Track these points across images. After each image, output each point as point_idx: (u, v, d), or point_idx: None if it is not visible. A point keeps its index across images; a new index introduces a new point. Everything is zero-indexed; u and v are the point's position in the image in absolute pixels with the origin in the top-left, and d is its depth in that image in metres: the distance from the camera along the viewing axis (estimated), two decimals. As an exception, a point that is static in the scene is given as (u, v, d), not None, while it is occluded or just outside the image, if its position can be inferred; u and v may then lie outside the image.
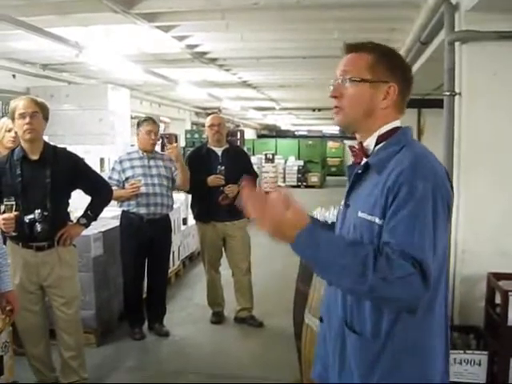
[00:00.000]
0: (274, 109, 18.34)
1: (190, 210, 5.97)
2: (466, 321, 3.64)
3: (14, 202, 3.35)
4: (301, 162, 23.36)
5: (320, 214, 4.09)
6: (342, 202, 1.90)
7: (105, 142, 7.98)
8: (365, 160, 1.78)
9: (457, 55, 3.78)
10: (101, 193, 3.92)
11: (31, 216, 3.46)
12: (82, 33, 6.18)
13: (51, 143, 3.82)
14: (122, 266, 4.99)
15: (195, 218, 5.51)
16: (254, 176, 5.62)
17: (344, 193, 1.90)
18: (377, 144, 1.76)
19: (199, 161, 5.19)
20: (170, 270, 6.19)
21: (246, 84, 11.76)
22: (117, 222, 5.07)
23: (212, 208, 5.19)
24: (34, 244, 3.57)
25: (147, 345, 4.89)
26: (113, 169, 5.01)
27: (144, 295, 5.21)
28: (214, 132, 5.28)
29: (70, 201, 3.78)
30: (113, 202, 4.36)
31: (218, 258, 5.45)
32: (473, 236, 3.56)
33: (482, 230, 3.54)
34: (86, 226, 3.83)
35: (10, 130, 4.00)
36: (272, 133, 31.05)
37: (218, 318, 5.48)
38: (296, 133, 31.16)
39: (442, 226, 1.59)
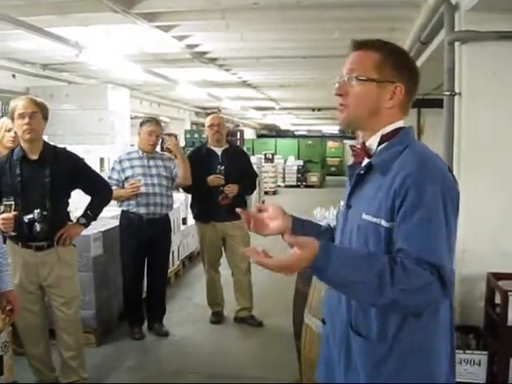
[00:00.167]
0: (273, 109, 18.34)
1: (189, 210, 5.98)
2: (466, 321, 3.64)
3: (13, 202, 3.35)
4: (300, 162, 23.36)
5: (320, 213, 4.09)
6: (342, 203, 1.88)
7: (105, 141, 7.98)
8: (367, 160, 1.76)
9: (457, 55, 3.78)
10: (100, 192, 3.92)
11: (30, 216, 3.46)
12: (82, 33, 6.18)
13: (51, 143, 3.82)
14: (121, 265, 4.99)
15: (195, 217, 5.51)
16: (253, 176, 5.63)
17: (344, 193, 1.89)
18: (380, 144, 1.74)
19: (199, 161, 5.18)
20: (169, 270, 6.19)
21: (245, 84, 11.76)
22: (116, 222, 5.07)
23: (212, 208, 5.19)
24: (34, 244, 3.57)
25: (147, 345, 4.89)
26: (112, 168, 5.01)
27: (144, 295, 5.21)
28: (214, 132, 5.28)
29: (69, 200, 3.78)
30: (112, 202, 4.36)
31: (217, 258, 5.45)
32: (472, 236, 3.56)
33: (481, 229, 3.54)
34: (86, 225, 3.82)
35: (9, 130, 4.00)
36: (272, 133, 31.05)
37: (217, 318, 5.48)
38: (296, 132, 31.16)
39: (453, 229, 1.59)
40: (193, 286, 6.72)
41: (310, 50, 7.70)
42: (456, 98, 3.79)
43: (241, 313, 5.41)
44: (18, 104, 3.47)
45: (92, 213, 3.83)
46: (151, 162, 4.93)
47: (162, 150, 5.10)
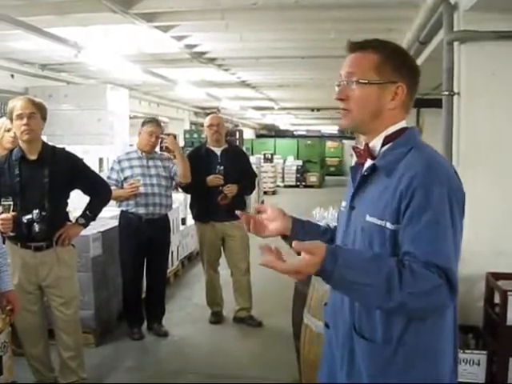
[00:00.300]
0: (272, 108, 18.34)
1: (188, 210, 5.98)
2: (465, 320, 3.64)
3: (11, 202, 3.34)
4: (300, 162, 23.36)
5: (319, 213, 4.09)
6: (344, 204, 1.86)
7: (104, 142, 7.98)
8: (371, 161, 1.74)
9: (455, 55, 3.78)
10: (99, 193, 3.92)
11: (29, 216, 3.46)
12: (81, 33, 6.18)
13: (50, 143, 3.82)
14: (120, 265, 4.99)
15: (194, 217, 5.51)
16: (252, 176, 5.63)
17: (346, 194, 1.87)
18: (383, 145, 1.72)
19: (198, 161, 5.18)
20: (168, 270, 6.18)
21: (244, 84, 11.76)
22: (116, 222, 5.07)
23: (211, 208, 5.19)
24: (33, 244, 3.57)
25: (146, 345, 4.89)
26: (111, 168, 5.01)
27: (143, 295, 5.21)
28: (213, 132, 5.28)
29: (68, 201, 3.78)
30: (111, 202, 4.36)
31: (216, 258, 5.45)
32: (471, 236, 3.55)
33: (480, 229, 3.54)
34: (85, 226, 3.82)
35: (9, 130, 4.00)
36: (271, 132, 31.05)
37: (216, 318, 5.48)
38: (295, 132, 31.16)
39: (459, 230, 1.59)
40: (192, 286, 6.72)
41: (308, 50, 7.70)
42: (455, 97, 3.79)
43: (240, 313, 5.42)
44: (17, 104, 3.47)
45: (91, 213, 3.83)
46: (150, 162, 4.92)
47: (161, 150, 5.10)
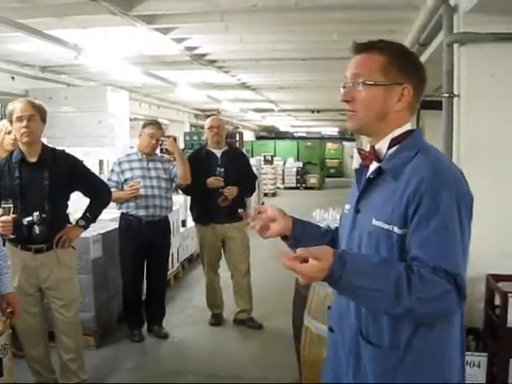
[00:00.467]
0: (272, 110, 18.34)
1: (189, 212, 5.98)
2: (466, 322, 3.64)
3: (11, 205, 3.35)
4: (300, 164, 23.38)
5: (319, 215, 4.10)
6: (348, 206, 1.84)
7: (104, 144, 7.98)
8: (376, 164, 1.72)
9: (455, 57, 3.78)
10: (99, 195, 3.92)
11: (29, 218, 3.46)
12: (81, 35, 6.18)
13: (50, 145, 3.82)
14: (121, 267, 4.99)
15: (194, 219, 5.51)
16: (252, 178, 5.63)
17: (349, 196, 1.86)
18: (389, 147, 1.71)
19: (198, 163, 5.18)
20: (169, 272, 6.19)
21: (244, 86, 11.76)
22: (116, 224, 5.07)
23: (211, 210, 5.19)
24: (33, 246, 3.57)
25: (146, 347, 4.89)
26: (112, 170, 5.01)
27: (143, 297, 5.21)
28: (214, 134, 5.28)
29: (68, 203, 3.78)
30: (112, 204, 4.36)
31: (217, 260, 5.45)
32: (471, 237, 3.56)
33: (480, 231, 3.53)
34: (85, 227, 3.83)
35: (9, 133, 4.00)
36: (271, 134, 31.05)
37: (217, 320, 5.47)
38: (295, 134, 31.17)
39: (467, 235, 1.57)
40: (192, 288, 6.72)
41: (308, 52, 7.70)
42: (455, 99, 3.79)
43: (240, 315, 5.41)
44: (16, 107, 3.47)
45: (91, 215, 3.83)
46: (150, 165, 4.93)
47: (161, 152, 5.10)
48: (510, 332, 3.23)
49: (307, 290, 3.41)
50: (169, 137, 5.19)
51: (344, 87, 1.73)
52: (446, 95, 3.82)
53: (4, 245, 3.36)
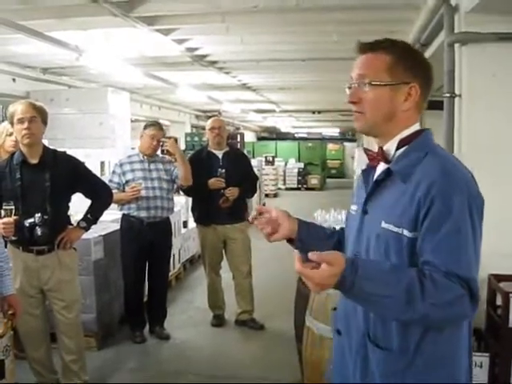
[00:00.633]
0: (273, 111, 18.34)
1: (190, 213, 5.97)
2: (468, 323, 3.63)
3: (13, 207, 3.34)
4: (301, 165, 23.42)
5: (321, 216, 4.10)
6: (355, 207, 1.82)
7: (105, 145, 7.98)
8: (384, 165, 1.69)
9: (456, 57, 3.78)
10: (101, 196, 3.92)
11: (31, 220, 3.46)
12: (82, 36, 6.19)
13: (51, 147, 3.82)
14: (122, 269, 4.99)
15: (196, 220, 5.51)
16: (254, 179, 5.63)
17: (355, 197, 1.84)
18: (398, 148, 1.68)
19: (200, 164, 5.18)
20: (170, 273, 6.19)
21: (245, 87, 11.76)
22: (117, 226, 5.07)
23: (212, 211, 5.18)
24: (35, 248, 3.57)
25: (148, 348, 4.89)
26: (113, 172, 5.01)
27: (145, 298, 5.21)
28: (215, 135, 5.28)
29: (69, 204, 3.78)
30: (113, 206, 4.36)
31: (218, 261, 5.45)
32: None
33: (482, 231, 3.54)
34: (86, 229, 3.83)
35: (10, 134, 3.99)
36: (272, 135, 31.06)
37: (218, 321, 5.47)
38: (296, 135, 31.18)
39: (479, 238, 1.55)
40: (194, 289, 6.72)
41: (309, 53, 7.70)
42: (456, 99, 3.79)
43: (242, 316, 5.41)
44: (17, 109, 3.47)
45: (92, 216, 3.83)
46: (152, 166, 4.93)
47: (162, 153, 5.10)
48: (511, 332, 3.23)
49: (309, 291, 3.41)
50: (170, 138, 5.19)
51: (350, 88, 1.71)
52: (448, 95, 3.82)
53: (6, 246, 3.36)
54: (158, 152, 5.04)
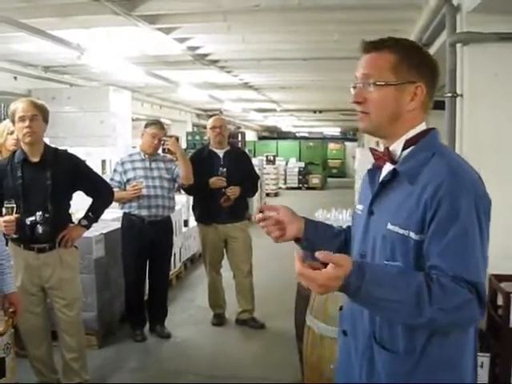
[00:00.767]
0: (274, 110, 18.34)
1: (191, 212, 5.98)
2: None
3: (14, 205, 3.35)
4: (302, 164, 23.44)
5: (322, 215, 4.10)
6: (360, 207, 1.80)
7: (106, 143, 7.99)
8: (391, 166, 1.67)
9: (458, 57, 3.78)
10: (102, 194, 3.92)
11: (32, 218, 3.46)
12: (84, 35, 6.19)
13: (52, 145, 3.82)
14: (123, 267, 4.99)
15: (197, 219, 5.51)
16: (255, 178, 5.63)
17: (361, 196, 1.83)
18: (404, 148, 1.66)
19: (201, 163, 5.18)
20: (171, 272, 6.19)
21: (247, 86, 11.77)
22: (118, 224, 5.07)
23: (213, 210, 5.18)
24: (36, 246, 3.57)
25: (148, 346, 4.89)
26: (114, 170, 5.01)
27: (145, 297, 5.21)
28: (216, 134, 5.28)
29: (71, 202, 3.79)
30: (114, 204, 4.36)
31: (219, 260, 5.45)
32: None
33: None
34: (87, 227, 3.83)
35: (12, 133, 3.99)
36: (273, 134, 31.07)
37: (219, 320, 5.47)
38: (297, 134, 31.20)
39: (487, 240, 1.54)
40: (194, 288, 6.72)
41: (310, 52, 7.71)
42: (458, 99, 3.79)
43: (242, 315, 5.41)
44: (19, 107, 3.47)
45: (93, 215, 3.83)
46: (153, 164, 4.93)
47: (163, 152, 5.10)
48: (512, 332, 3.23)
49: (309, 290, 3.40)
50: (171, 137, 5.19)
51: (354, 87, 1.69)
52: (449, 95, 3.82)
53: (7, 244, 3.36)
54: (160, 151, 5.04)
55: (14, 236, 3.44)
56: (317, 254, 1.40)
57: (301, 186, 22.68)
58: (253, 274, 5.42)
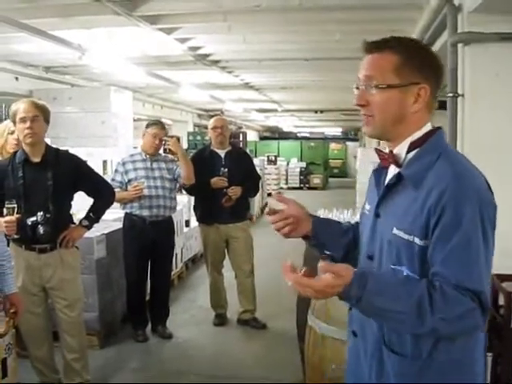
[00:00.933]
0: (276, 111, 18.36)
1: (192, 212, 5.98)
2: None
3: (15, 205, 3.35)
4: (303, 164, 23.41)
5: (323, 215, 4.09)
6: (368, 207, 1.78)
7: (107, 144, 8.00)
8: (395, 168, 1.64)
9: (459, 57, 3.78)
10: (103, 195, 3.92)
11: (33, 218, 3.46)
12: (85, 35, 6.20)
13: (54, 146, 3.82)
14: (125, 268, 4.99)
15: (198, 220, 5.51)
16: (256, 178, 5.63)
17: (368, 196, 1.81)
18: (409, 151, 1.62)
19: (202, 163, 5.18)
20: (172, 272, 6.18)
21: (248, 86, 11.77)
22: (119, 224, 5.07)
23: (215, 210, 5.18)
24: (37, 246, 3.57)
25: (150, 347, 4.89)
26: (116, 171, 5.01)
27: (147, 297, 5.21)
28: (218, 134, 5.28)
29: (72, 203, 3.79)
30: (115, 204, 4.36)
31: (220, 260, 5.45)
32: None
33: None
34: (88, 227, 3.82)
35: (12, 133, 3.99)
36: (274, 135, 31.08)
37: (220, 320, 5.47)
38: (298, 134, 31.20)
39: (491, 246, 1.53)
40: (196, 289, 6.72)
41: (312, 52, 7.71)
42: (459, 99, 3.79)
43: (244, 315, 5.41)
44: (20, 107, 3.47)
45: (94, 215, 3.83)
46: (154, 165, 4.93)
47: (164, 152, 5.10)
48: (514, 332, 3.22)
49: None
50: (172, 137, 5.19)
51: (357, 88, 1.65)
52: (451, 95, 3.82)
53: (8, 245, 3.36)
54: (161, 151, 5.04)
55: (16, 236, 3.44)
56: (319, 266, 1.41)
57: (302, 186, 22.66)
58: (254, 274, 5.42)
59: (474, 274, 1.46)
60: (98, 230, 4.77)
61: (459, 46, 3.77)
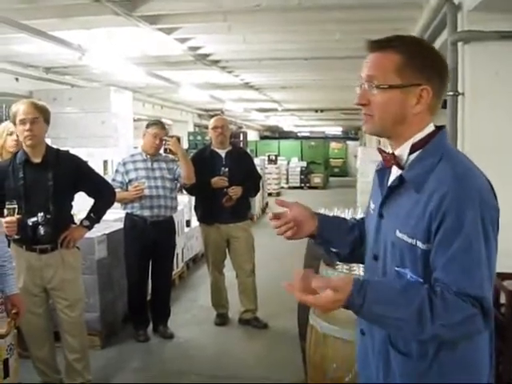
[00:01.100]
0: (276, 110, 18.35)
1: (193, 212, 5.98)
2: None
3: (16, 206, 3.35)
4: (304, 163, 23.42)
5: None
6: (372, 206, 1.76)
7: (108, 144, 8.00)
8: (398, 170, 1.63)
9: (459, 55, 3.78)
10: (104, 195, 3.92)
11: (34, 219, 3.46)
12: (85, 36, 6.20)
13: (54, 146, 3.82)
14: (126, 268, 4.99)
15: (199, 219, 5.51)
16: (257, 177, 5.63)
17: (373, 195, 1.79)
18: (411, 152, 1.60)
19: (203, 162, 5.18)
20: (173, 272, 6.17)
21: (248, 86, 11.77)
22: (120, 225, 5.08)
23: (215, 210, 5.18)
24: (38, 247, 3.57)
25: (151, 347, 4.89)
26: (116, 171, 5.01)
27: (148, 297, 5.21)
28: (218, 134, 5.28)
29: (72, 203, 3.79)
30: (116, 205, 4.36)
31: (221, 260, 5.45)
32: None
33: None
34: (89, 228, 3.82)
35: (11, 134, 4.00)
36: (275, 134, 31.08)
37: (222, 320, 5.47)
38: (298, 134, 31.20)
39: (494, 251, 1.52)
40: (197, 288, 6.72)
41: (311, 52, 7.71)
42: (459, 98, 3.79)
43: (245, 314, 5.41)
44: (19, 109, 3.47)
45: (95, 215, 3.83)
46: (155, 165, 4.93)
47: (164, 152, 5.10)
48: (515, 331, 3.22)
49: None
50: (172, 137, 5.19)
51: (360, 87, 1.63)
52: (451, 93, 3.82)
53: (9, 246, 3.36)
54: (161, 151, 5.04)
55: (16, 237, 3.45)
56: (313, 283, 1.44)
57: (303, 185, 22.65)
58: (255, 274, 5.42)
59: (475, 279, 1.45)
60: (99, 231, 4.77)
61: (459, 44, 3.77)
